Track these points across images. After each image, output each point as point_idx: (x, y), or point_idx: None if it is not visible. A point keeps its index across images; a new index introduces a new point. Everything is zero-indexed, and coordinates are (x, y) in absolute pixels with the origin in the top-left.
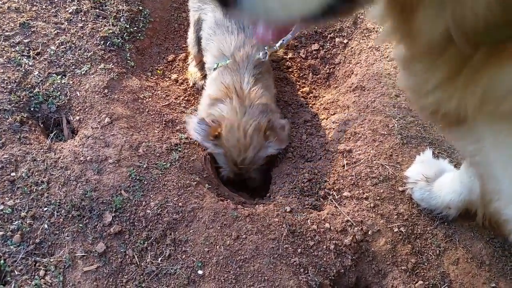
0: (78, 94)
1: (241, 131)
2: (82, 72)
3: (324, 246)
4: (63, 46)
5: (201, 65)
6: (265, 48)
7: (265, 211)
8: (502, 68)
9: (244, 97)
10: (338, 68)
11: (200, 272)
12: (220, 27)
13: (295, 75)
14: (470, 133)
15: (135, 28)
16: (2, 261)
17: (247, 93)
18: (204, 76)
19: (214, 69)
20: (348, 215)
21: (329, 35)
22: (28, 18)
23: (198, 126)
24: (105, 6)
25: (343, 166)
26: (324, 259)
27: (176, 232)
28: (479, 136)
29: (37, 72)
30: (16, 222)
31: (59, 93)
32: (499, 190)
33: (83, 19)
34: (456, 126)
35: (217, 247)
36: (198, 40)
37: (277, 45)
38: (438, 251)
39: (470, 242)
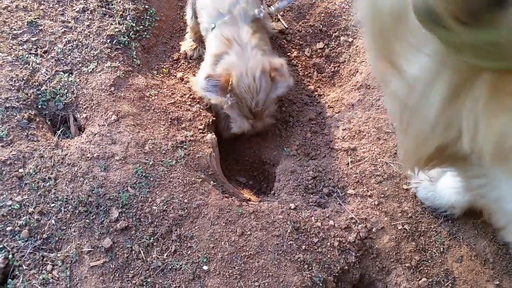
0: (85, 92)
1: (250, 76)
2: (89, 70)
3: (328, 243)
4: (70, 45)
5: (196, 37)
6: (261, 7)
7: (270, 208)
8: None
9: (245, 44)
10: (343, 67)
11: (205, 267)
12: None
13: (300, 73)
14: (477, 168)
15: (141, 26)
16: (10, 256)
17: (247, 40)
18: (195, 48)
19: (212, 29)
20: (352, 212)
21: (334, 34)
22: (35, 17)
23: (207, 83)
24: (112, 4)
25: (348, 164)
26: (328, 255)
27: (182, 228)
28: (488, 173)
29: (44, 70)
30: (24, 217)
31: (66, 90)
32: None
33: (89, 17)
34: (461, 163)
35: (222, 243)
36: (195, 13)
37: (273, 8)
38: (442, 248)
39: (474, 240)
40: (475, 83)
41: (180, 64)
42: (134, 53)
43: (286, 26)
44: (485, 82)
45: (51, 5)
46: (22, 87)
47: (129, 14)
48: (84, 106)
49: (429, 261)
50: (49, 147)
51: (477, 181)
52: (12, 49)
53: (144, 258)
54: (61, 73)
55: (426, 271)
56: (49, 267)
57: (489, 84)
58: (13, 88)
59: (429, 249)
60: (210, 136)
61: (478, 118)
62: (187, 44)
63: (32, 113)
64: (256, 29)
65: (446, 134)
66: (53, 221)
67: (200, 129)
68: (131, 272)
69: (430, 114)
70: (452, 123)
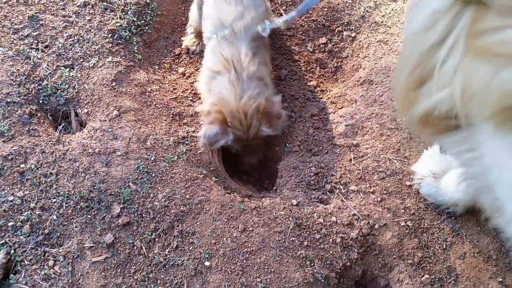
0: (86, 87)
1: (241, 113)
2: (90, 65)
3: (331, 239)
4: (71, 39)
5: (197, 34)
6: (267, 22)
7: (272, 204)
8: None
9: (242, 69)
10: (345, 62)
11: (207, 263)
12: None
13: (302, 68)
14: (466, 139)
15: (143, 21)
16: (12, 251)
17: (245, 65)
18: (198, 44)
19: (212, 39)
20: (354, 208)
21: (337, 29)
22: (36, 11)
23: (208, 136)
24: None
25: (350, 160)
26: (331, 252)
27: (184, 224)
28: (476, 142)
29: (45, 65)
30: (26, 213)
31: (67, 85)
32: (502, 209)
33: (90, 12)
34: (448, 132)
35: (224, 239)
36: (200, 11)
37: (281, 21)
38: (444, 245)
39: (477, 236)
40: (459, 21)
41: (181, 59)
42: (136, 48)
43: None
44: (467, 21)
45: (52, 0)
46: (23, 82)
47: (131, 8)
48: (86, 101)
49: (432, 258)
50: (51, 142)
51: (469, 155)
52: (13, 44)
53: (146, 254)
54: (62, 68)
55: (429, 267)
56: (51, 263)
57: (469, 21)
58: (14, 83)
59: (432, 245)
60: None
61: (456, 59)
62: (189, 39)
63: (34, 108)
64: (257, 49)
65: (421, 65)
66: (54, 217)
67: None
68: (133, 267)
69: (410, 37)
70: (427, 53)
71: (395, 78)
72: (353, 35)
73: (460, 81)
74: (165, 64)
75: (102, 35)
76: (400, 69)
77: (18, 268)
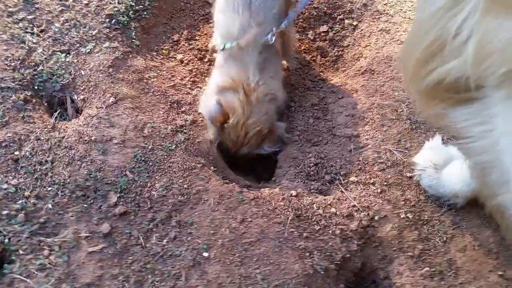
0: (83, 73)
1: (243, 131)
2: (87, 51)
3: (330, 231)
4: (67, 24)
5: None
6: (273, 28)
7: (271, 195)
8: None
9: (251, 91)
10: (347, 51)
11: (205, 254)
12: (229, 3)
13: (302, 57)
14: (479, 112)
15: (141, 6)
16: (6, 240)
17: (253, 86)
18: None
19: (222, 49)
20: (354, 200)
21: (338, 17)
22: None
23: (214, 106)
24: None
25: (350, 150)
26: (330, 243)
27: (182, 214)
28: (489, 115)
29: (41, 50)
30: (20, 201)
31: (63, 71)
32: (507, 182)
33: None
34: (462, 103)
35: (223, 229)
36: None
37: (285, 22)
38: (445, 238)
39: (477, 229)
40: None
41: (180, 45)
42: (133, 34)
43: None
44: None
45: None
46: (18, 67)
47: None
48: (82, 88)
49: (432, 250)
50: (46, 129)
51: (480, 128)
52: (7, 27)
53: (143, 244)
54: (58, 53)
55: (429, 260)
56: (46, 252)
57: None
58: (8, 68)
59: (432, 238)
60: None
61: (472, 25)
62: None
63: (28, 94)
64: (266, 62)
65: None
66: (50, 205)
67: (200, 113)
68: (130, 258)
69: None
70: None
71: (406, 51)
72: (354, 23)
73: (475, 43)
74: (164, 51)
75: (99, 20)
76: (414, 43)
77: (13, 257)
